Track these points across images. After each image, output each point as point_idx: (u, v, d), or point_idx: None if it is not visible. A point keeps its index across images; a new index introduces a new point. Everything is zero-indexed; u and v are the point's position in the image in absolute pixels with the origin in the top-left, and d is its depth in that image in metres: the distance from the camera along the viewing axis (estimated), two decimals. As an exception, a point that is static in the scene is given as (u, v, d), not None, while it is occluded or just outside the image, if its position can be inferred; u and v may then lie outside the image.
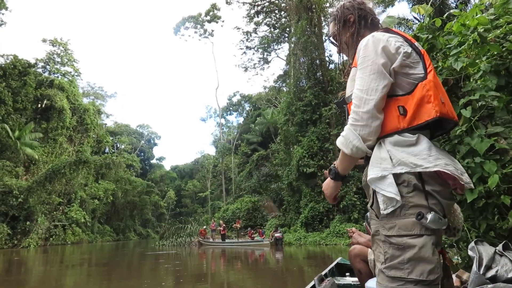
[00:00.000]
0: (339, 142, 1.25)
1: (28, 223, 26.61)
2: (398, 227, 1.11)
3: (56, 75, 38.31)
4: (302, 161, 21.89)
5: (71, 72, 40.44)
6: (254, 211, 30.04)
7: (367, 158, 1.27)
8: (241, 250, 18.86)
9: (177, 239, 24.97)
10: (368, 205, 1.27)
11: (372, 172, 1.18)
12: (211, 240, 24.84)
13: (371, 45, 1.24)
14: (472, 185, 1.20)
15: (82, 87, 52.03)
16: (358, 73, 1.25)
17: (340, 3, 1.52)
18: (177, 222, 28.74)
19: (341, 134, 1.25)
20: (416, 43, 1.29)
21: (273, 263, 12.36)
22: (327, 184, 1.39)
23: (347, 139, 1.22)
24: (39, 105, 33.79)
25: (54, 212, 30.16)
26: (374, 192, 1.20)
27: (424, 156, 1.14)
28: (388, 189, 1.13)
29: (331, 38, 1.56)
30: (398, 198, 1.11)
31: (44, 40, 38.81)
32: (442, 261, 1.35)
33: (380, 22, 1.54)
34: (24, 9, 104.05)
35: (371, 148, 1.22)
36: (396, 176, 1.14)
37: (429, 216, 1.08)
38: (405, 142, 1.17)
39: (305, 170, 21.70)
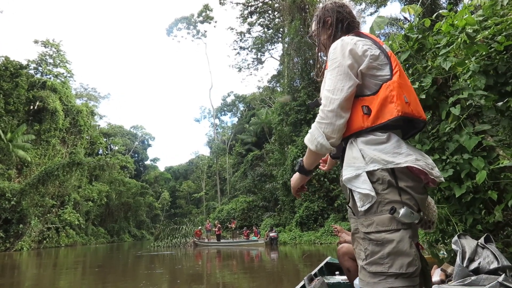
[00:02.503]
0: (306, 138, 1.31)
1: (21, 226, 26.33)
2: (376, 223, 1.14)
3: (48, 77, 37.97)
4: (297, 161, 21.95)
5: (63, 73, 40.11)
6: (249, 211, 30.04)
7: (341, 159, 1.32)
8: (236, 250, 18.86)
9: (172, 240, 24.89)
10: (347, 205, 1.31)
11: (346, 172, 1.23)
12: (206, 240, 24.81)
13: (339, 48, 1.30)
14: (442, 179, 1.25)
15: (75, 89, 51.63)
16: (327, 75, 1.31)
17: (323, 4, 1.57)
18: (172, 223, 28.63)
19: (309, 131, 1.31)
20: (384, 45, 1.35)
21: (269, 263, 12.39)
22: (294, 177, 1.50)
23: (313, 136, 1.28)
24: (32, 107, 33.47)
25: (48, 215, 29.90)
26: (351, 191, 1.23)
27: (395, 153, 1.19)
28: (363, 186, 1.17)
29: (311, 37, 1.60)
30: (373, 193, 1.15)
31: (36, 41, 38.48)
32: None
33: (367, 23, 1.58)
34: (15, 10, 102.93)
35: (335, 145, 1.27)
36: (370, 174, 1.18)
37: (401, 211, 1.11)
38: (376, 140, 1.21)
39: (299, 169, 21.76)
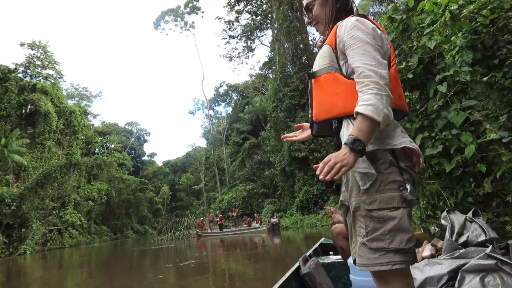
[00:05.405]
0: (369, 111, 1.13)
1: (23, 230, 26.39)
2: (379, 201, 1.19)
3: (38, 79, 37.46)
4: (293, 146, 22.07)
5: (53, 74, 39.58)
6: (250, 199, 30.28)
7: (337, 146, 1.32)
8: (239, 238, 19.08)
9: (175, 233, 25.11)
10: (344, 184, 1.33)
11: None
12: (209, 231, 25.05)
13: (363, 27, 1.26)
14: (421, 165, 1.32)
15: (66, 89, 51.20)
16: (355, 50, 1.23)
17: None
18: (173, 216, 28.82)
19: (365, 103, 1.15)
20: (386, 35, 1.36)
21: (272, 248, 12.58)
22: (350, 157, 1.14)
23: (378, 107, 1.14)
24: (24, 111, 33.15)
25: (49, 217, 29.93)
26: (352, 174, 1.25)
27: (392, 135, 1.25)
28: (362, 166, 1.20)
29: (306, 7, 1.51)
30: (372, 171, 1.19)
31: (22, 44, 37.77)
32: None
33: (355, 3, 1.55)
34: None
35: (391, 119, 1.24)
36: (369, 154, 1.21)
37: (409, 187, 1.18)
38: None
39: (297, 154, 21.89)
